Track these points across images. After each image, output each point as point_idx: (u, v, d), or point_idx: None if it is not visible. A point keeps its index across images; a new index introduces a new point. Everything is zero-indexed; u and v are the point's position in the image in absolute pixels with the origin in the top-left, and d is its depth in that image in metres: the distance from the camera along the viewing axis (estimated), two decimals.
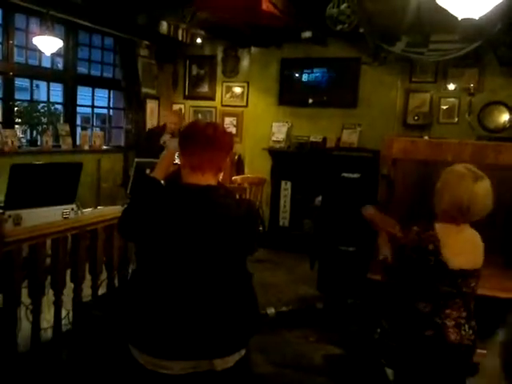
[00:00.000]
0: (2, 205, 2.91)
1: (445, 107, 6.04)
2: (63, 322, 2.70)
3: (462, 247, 2.05)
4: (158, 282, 1.71)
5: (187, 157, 1.78)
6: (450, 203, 2.03)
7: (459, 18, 2.91)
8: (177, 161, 1.92)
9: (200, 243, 1.69)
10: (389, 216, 2.48)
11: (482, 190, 2.00)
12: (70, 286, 2.74)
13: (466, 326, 2.05)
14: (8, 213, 2.84)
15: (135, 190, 1.89)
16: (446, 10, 2.98)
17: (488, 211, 2.03)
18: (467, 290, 2.05)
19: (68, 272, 2.72)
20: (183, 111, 7.21)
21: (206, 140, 1.75)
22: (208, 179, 1.76)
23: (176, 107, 7.28)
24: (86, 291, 2.86)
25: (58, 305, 2.63)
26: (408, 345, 2.10)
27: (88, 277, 2.86)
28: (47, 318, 2.75)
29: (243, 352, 1.79)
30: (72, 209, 3.23)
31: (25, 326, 2.49)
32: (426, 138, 5.48)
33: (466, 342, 2.03)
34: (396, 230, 2.29)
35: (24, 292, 2.45)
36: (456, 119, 5.99)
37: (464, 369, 2.12)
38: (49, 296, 2.66)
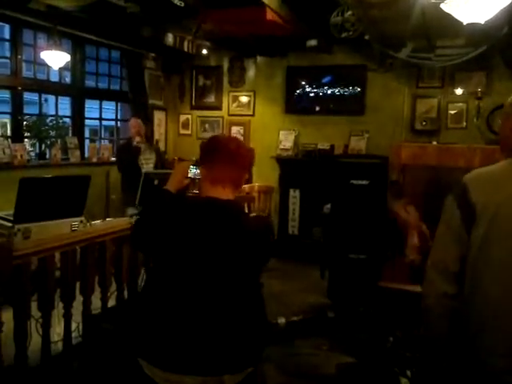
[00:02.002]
0: (12, 219, 2.93)
1: (453, 112, 6.01)
2: (73, 334, 2.69)
3: None
4: (170, 295, 1.69)
5: (208, 170, 1.77)
6: None
7: (464, 23, 2.90)
8: (190, 174, 1.92)
9: (218, 257, 1.68)
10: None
11: None
12: (79, 298, 2.73)
13: None
14: (17, 226, 2.85)
15: (148, 201, 1.87)
16: (451, 15, 2.97)
17: None
18: None
19: (77, 285, 2.72)
20: (190, 121, 7.29)
21: (229, 155, 1.75)
22: (228, 194, 1.76)
23: (183, 118, 7.33)
24: (96, 303, 2.86)
25: (67, 318, 2.63)
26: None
27: (97, 289, 2.86)
28: (57, 331, 2.75)
29: (250, 368, 1.77)
30: (81, 221, 3.23)
31: (35, 340, 2.49)
32: (435, 143, 5.46)
33: None
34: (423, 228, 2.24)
35: (34, 305, 2.45)
36: (464, 124, 5.95)
37: None
38: (58, 309, 2.66)
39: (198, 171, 1.86)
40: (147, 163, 5.21)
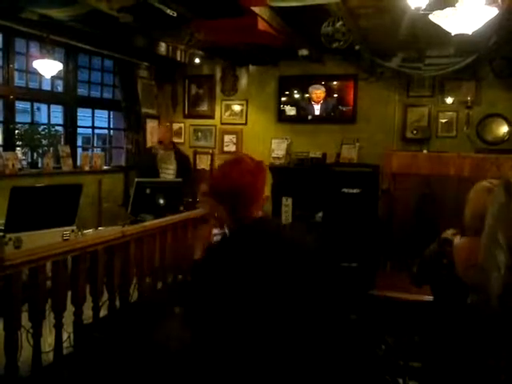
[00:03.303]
0: (3, 228, 2.91)
1: (443, 121, 6.08)
2: (64, 344, 2.67)
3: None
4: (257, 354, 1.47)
5: (231, 210, 1.64)
6: (468, 216, 2.04)
7: (452, 34, 2.95)
8: (214, 236, 1.81)
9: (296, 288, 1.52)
10: None
11: None
12: (70, 308, 2.72)
13: None
14: (8, 236, 2.84)
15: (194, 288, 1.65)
16: (439, 26, 3.02)
17: None
18: None
19: (69, 294, 2.71)
20: (183, 130, 7.30)
21: (250, 191, 1.64)
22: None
23: (176, 126, 7.34)
24: (87, 313, 2.84)
25: (58, 328, 2.61)
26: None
27: (89, 299, 2.84)
28: (48, 341, 2.73)
29: None
30: (72, 230, 3.22)
31: (26, 350, 2.47)
32: (425, 151, 5.51)
33: None
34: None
35: (24, 315, 2.43)
36: (454, 132, 6.01)
37: None
38: (50, 319, 2.64)
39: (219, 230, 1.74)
40: (166, 173, 5.10)
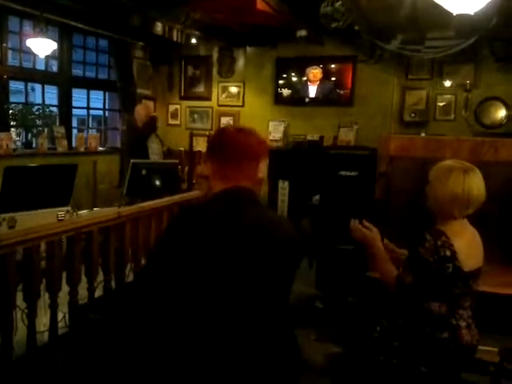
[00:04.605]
0: None
1: (441, 104, 6.04)
2: (59, 325, 2.67)
3: (471, 246, 2.03)
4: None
5: (218, 167, 1.58)
6: (446, 197, 2.00)
7: (454, 14, 2.90)
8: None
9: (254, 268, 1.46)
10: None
11: (474, 180, 1.99)
12: (65, 288, 2.71)
13: (473, 325, 2.04)
14: (2, 216, 2.82)
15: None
16: (441, 6, 2.97)
17: (482, 201, 2.02)
18: (476, 288, 2.05)
19: (64, 275, 2.69)
20: (179, 111, 7.23)
21: (240, 149, 1.57)
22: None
23: (172, 108, 7.28)
24: (82, 294, 2.83)
25: (53, 308, 2.60)
26: (419, 347, 2.07)
27: (84, 279, 2.83)
28: (43, 321, 2.73)
29: None
30: (67, 211, 3.20)
31: (21, 330, 2.46)
32: (423, 135, 5.49)
33: (475, 342, 2.03)
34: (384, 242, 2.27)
35: (19, 295, 2.42)
36: (452, 116, 5.98)
37: (466, 366, 2.12)
38: (45, 299, 2.64)
39: None
40: (152, 152, 5.06)
